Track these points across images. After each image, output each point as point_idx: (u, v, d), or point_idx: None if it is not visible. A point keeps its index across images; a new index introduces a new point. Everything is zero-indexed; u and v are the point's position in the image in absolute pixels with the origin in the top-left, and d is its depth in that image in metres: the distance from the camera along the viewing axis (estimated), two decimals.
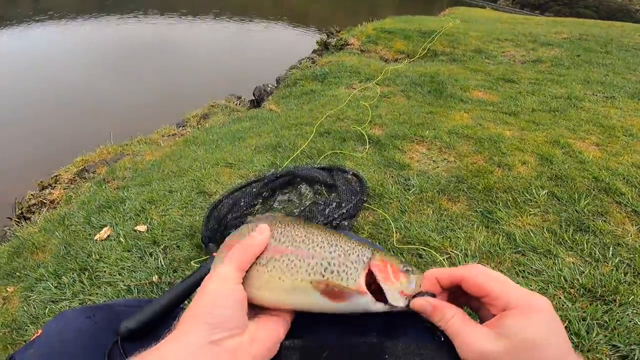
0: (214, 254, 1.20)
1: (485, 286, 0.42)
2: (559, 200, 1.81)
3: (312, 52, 6.45)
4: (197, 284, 0.95)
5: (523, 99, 3.32)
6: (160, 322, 0.71)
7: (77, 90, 7.23)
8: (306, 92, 3.91)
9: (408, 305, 0.43)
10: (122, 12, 16.22)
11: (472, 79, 3.96)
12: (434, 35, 5.89)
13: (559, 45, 5.57)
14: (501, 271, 1.41)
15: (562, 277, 1.36)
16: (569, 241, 1.55)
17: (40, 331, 0.59)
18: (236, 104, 4.20)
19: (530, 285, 1.34)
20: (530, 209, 1.74)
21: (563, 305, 1.25)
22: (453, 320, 0.43)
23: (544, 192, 1.85)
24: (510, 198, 1.81)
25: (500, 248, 1.52)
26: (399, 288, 0.43)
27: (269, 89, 4.59)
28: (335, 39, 6.16)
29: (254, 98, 4.63)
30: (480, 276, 0.43)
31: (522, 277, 1.39)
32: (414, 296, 0.44)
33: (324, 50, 6.17)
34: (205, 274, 1.04)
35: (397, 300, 0.43)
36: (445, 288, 0.46)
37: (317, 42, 6.68)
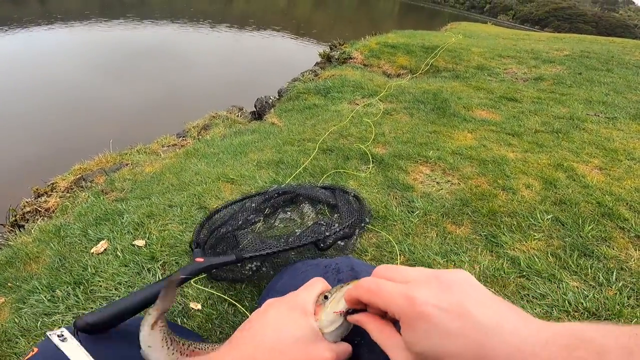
0: (196, 259, 1.15)
1: (372, 304, 0.43)
2: (563, 225, 1.79)
3: (315, 65, 6.45)
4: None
5: (526, 119, 3.31)
6: (117, 323, 0.70)
7: (77, 95, 7.23)
8: (309, 106, 3.89)
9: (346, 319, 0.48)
10: (124, 17, 16.34)
11: (475, 97, 3.96)
12: (436, 51, 5.93)
13: (560, 63, 5.60)
14: (506, 295, 1.40)
15: (566, 301, 1.37)
16: (573, 266, 1.54)
17: (36, 349, 0.58)
18: (237, 116, 4.18)
19: (535, 309, 1.34)
20: (535, 234, 1.73)
21: None
22: (373, 334, 0.43)
23: (549, 217, 1.84)
24: (515, 222, 1.80)
25: (504, 272, 1.50)
26: (328, 313, 0.48)
27: (270, 101, 4.57)
28: (338, 52, 6.18)
29: (255, 110, 4.61)
30: (365, 295, 0.43)
31: (526, 300, 1.39)
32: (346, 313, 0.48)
33: (326, 63, 6.19)
34: (177, 283, 0.99)
35: (335, 323, 0.48)
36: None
37: (319, 55, 6.68)
